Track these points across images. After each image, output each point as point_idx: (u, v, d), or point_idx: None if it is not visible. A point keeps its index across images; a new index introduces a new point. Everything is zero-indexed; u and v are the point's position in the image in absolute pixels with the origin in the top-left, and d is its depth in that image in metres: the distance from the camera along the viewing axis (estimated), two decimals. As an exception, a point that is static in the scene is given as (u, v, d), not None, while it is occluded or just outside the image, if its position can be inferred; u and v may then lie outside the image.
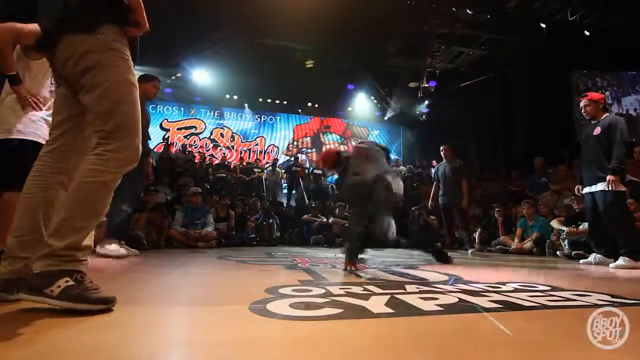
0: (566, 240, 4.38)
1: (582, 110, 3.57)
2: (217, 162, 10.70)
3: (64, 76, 1.30)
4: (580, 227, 4.27)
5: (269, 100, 12.86)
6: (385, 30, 9.56)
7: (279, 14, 8.32)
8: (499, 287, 1.75)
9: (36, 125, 2.05)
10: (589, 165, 3.45)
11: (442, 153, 6.01)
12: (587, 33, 8.65)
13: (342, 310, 1.21)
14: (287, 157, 12.53)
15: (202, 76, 11.14)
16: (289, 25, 8.78)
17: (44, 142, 1.76)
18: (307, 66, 11.20)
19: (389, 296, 1.46)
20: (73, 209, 1.17)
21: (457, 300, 1.42)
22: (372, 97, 13.06)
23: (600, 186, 3.29)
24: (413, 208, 7.65)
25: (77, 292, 1.09)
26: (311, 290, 1.58)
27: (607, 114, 3.50)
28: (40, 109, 2.04)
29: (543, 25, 8.55)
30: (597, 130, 3.40)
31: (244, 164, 10.56)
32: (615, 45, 8.41)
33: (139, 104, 1.31)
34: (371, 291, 1.59)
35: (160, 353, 0.84)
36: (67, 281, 1.09)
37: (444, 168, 5.90)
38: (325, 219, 7.13)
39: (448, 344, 0.93)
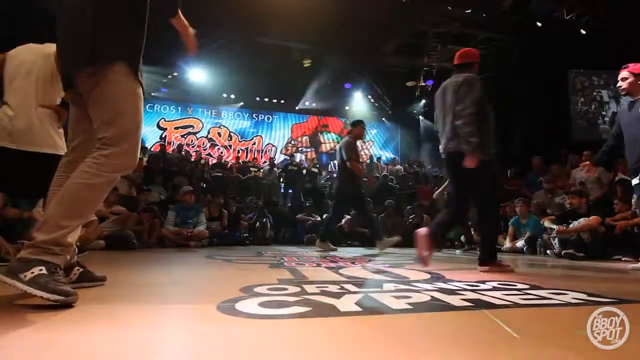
0: (556, 239, 4.36)
1: (618, 85, 3.02)
2: (214, 161, 10.67)
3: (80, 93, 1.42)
4: (571, 225, 4.26)
5: (267, 99, 12.84)
6: (382, 30, 9.54)
7: (277, 13, 8.30)
8: (477, 286, 1.75)
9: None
10: (638, 151, 2.89)
11: None
12: (583, 32, 8.64)
13: (310, 308, 1.20)
14: (285, 156, 12.52)
15: (199, 75, 11.12)
16: (286, 24, 8.76)
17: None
18: (305, 65, 11.18)
19: (362, 295, 1.46)
20: (59, 207, 1.26)
21: (430, 298, 1.41)
22: (370, 96, 13.05)
23: None
24: (408, 207, 7.64)
25: (44, 280, 1.13)
26: (287, 289, 1.57)
27: None
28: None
29: (539, 24, 8.53)
30: None
31: (240, 163, 10.53)
32: (611, 44, 8.38)
33: (140, 114, 1.40)
34: (347, 290, 1.58)
35: (110, 353, 0.83)
36: (40, 270, 1.15)
37: None
38: (319, 218, 7.10)
39: (405, 342, 0.92)
